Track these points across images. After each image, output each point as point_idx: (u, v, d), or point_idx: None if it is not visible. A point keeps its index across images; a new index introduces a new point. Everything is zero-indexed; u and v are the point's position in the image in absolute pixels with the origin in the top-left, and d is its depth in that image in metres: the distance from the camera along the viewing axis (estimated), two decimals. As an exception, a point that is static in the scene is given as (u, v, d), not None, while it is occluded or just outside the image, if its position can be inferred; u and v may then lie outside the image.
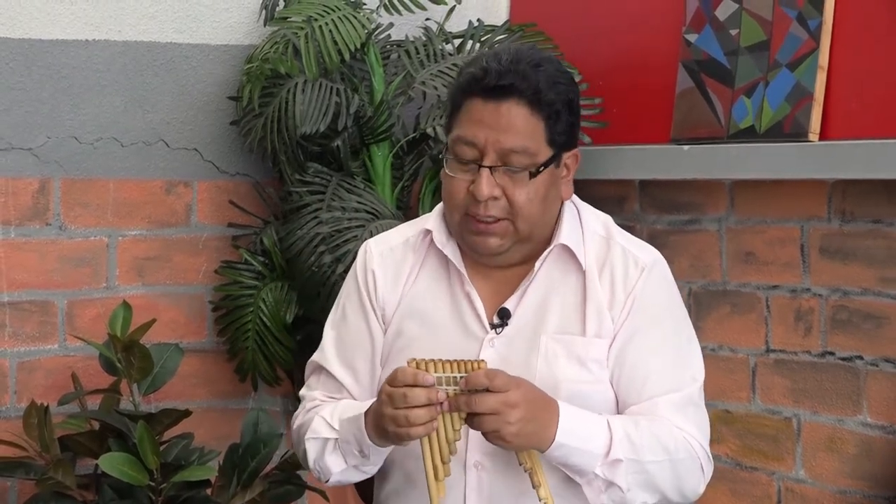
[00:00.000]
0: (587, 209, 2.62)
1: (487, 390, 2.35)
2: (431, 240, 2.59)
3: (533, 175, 2.46)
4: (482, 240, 2.50)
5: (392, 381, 2.38)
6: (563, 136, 2.50)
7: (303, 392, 2.68)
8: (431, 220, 2.61)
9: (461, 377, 2.37)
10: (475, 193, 2.46)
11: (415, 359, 2.38)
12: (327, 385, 2.63)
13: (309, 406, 2.63)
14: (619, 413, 2.53)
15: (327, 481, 2.57)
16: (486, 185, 2.45)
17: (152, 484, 3.45)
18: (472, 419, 2.37)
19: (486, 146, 2.45)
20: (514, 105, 2.45)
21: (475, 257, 2.56)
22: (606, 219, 2.63)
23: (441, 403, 2.35)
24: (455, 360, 2.39)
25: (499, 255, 2.53)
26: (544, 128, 2.47)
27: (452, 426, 2.38)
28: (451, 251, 2.57)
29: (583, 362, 2.50)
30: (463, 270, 2.55)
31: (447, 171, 2.51)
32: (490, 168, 2.45)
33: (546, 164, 2.48)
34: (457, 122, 2.49)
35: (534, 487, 2.39)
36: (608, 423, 2.42)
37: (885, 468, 3.34)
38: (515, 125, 2.45)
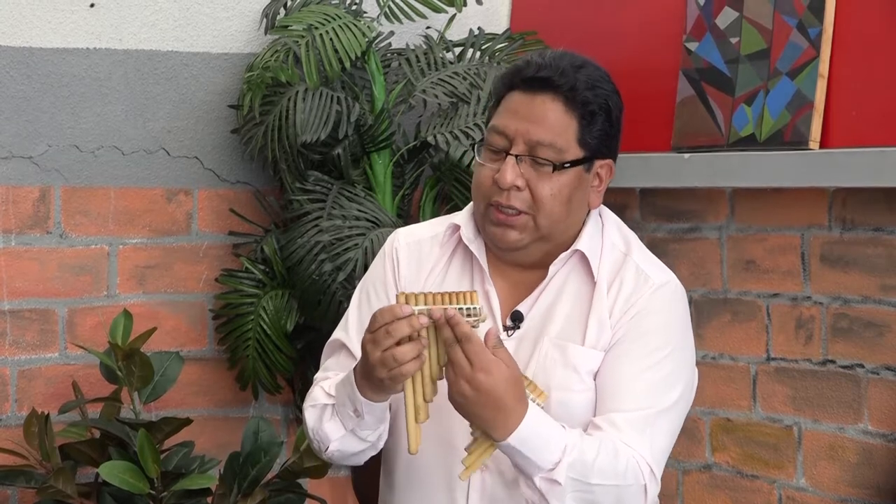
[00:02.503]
0: (612, 222, 2.60)
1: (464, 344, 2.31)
2: (460, 236, 2.59)
3: (556, 169, 2.47)
4: (502, 231, 2.50)
5: (371, 325, 2.34)
6: (596, 141, 2.49)
7: (317, 375, 2.64)
8: (461, 216, 2.61)
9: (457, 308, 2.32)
10: (498, 181, 2.47)
11: (403, 292, 2.36)
12: (346, 365, 2.58)
13: (320, 383, 2.61)
14: None
15: (327, 450, 2.52)
16: (511, 172, 2.46)
17: (153, 492, 3.45)
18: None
19: (515, 136, 2.47)
20: (550, 100, 2.47)
21: (495, 251, 2.56)
22: (630, 235, 2.61)
23: (428, 326, 2.30)
24: (445, 293, 2.34)
25: (517, 251, 2.53)
26: (577, 127, 2.48)
27: (438, 361, 2.33)
28: (477, 248, 2.57)
29: (577, 371, 2.49)
30: (486, 268, 2.55)
31: (477, 159, 2.53)
32: (516, 157, 2.47)
33: (574, 164, 2.48)
34: (496, 113, 2.52)
35: (465, 449, 2.36)
36: (567, 444, 2.37)
37: (886, 476, 3.34)
38: (547, 119, 2.46)
